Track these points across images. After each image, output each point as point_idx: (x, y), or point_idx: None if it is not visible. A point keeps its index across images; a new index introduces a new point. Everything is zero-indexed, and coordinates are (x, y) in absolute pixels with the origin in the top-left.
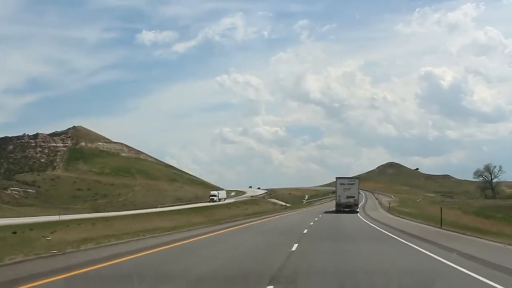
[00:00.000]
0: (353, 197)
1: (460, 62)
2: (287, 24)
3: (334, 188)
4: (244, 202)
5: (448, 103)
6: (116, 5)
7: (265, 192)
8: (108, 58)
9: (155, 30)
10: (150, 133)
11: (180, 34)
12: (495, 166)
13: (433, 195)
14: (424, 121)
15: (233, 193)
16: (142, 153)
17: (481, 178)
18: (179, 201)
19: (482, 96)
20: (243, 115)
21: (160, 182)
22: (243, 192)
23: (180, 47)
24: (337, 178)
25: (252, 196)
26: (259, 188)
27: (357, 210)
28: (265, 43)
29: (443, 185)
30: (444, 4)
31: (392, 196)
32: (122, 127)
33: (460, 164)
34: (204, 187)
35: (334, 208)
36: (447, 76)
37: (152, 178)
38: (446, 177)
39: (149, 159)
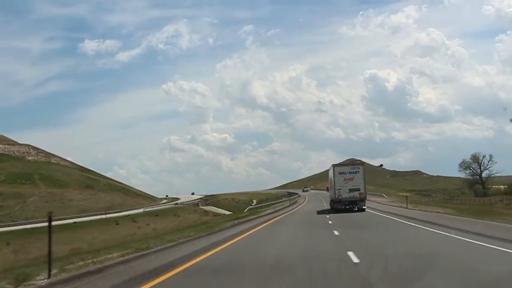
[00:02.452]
0: (358, 189)
1: (404, 64)
2: (232, 30)
3: (288, 191)
4: (155, 213)
5: (393, 104)
6: (58, 14)
7: (200, 198)
8: (52, 69)
9: (98, 39)
10: (97, 144)
11: (124, 43)
12: (484, 156)
13: (407, 194)
14: (371, 123)
15: (164, 201)
16: (54, 156)
17: (468, 171)
18: (84, 212)
19: (427, 97)
20: (191, 122)
21: (67, 190)
22: (177, 199)
23: (124, 56)
24: (333, 165)
25: (177, 203)
26: (193, 194)
27: (364, 206)
28: (210, 50)
29: (414, 183)
30: (387, 7)
31: (384, 195)
32: (67, 139)
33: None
34: (125, 194)
35: (326, 207)
36: (392, 78)
37: (59, 185)
38: (417, 173)
39: (62, 162)
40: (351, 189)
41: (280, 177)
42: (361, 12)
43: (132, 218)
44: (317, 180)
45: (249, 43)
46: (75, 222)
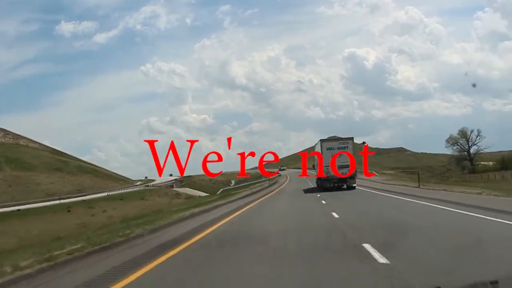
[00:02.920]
0: (347, 166)
1: (383, 42)
2: (209, 10)
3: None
4: (120, 197)
5: (373, 83)
6: None
7: (175, 179)
8: (29, 52)
9: (74, 21)
10: (76, 127)
11: (100, 24)
12: (472, 131)
13: (391, 172)
14: (350, 102)
15: (138, 183)
16: (23, 137)
17: (456, 147)
18: (50, 196)
19: (406, 75)
20: (170, 104)
21: (35, 173)
22: (153, 181)
23: (101, 38)
24: (321, 140)
25: (148, 185)
26: (171, 175)
27: (355, 184)
28: (188, 31)
29: (398, 160)
30: None
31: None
32: (45, 122)
33: (386, 143)
34: (96, 176)
35: (311, 185)
36: (370, 57)
37: (27, 168)
38: (400, 150)
39: (31, 144)
40: (340, 165)
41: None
42: None
43: (88, 204)
44: (298, 160)
45: (227, 23)
46: (18, 210)
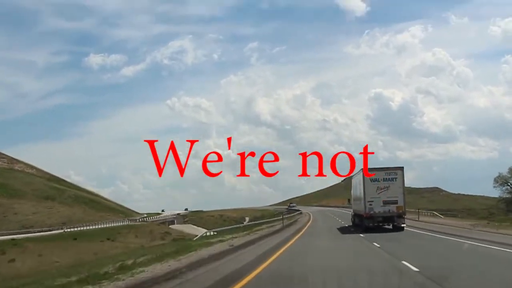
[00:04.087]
0: (395, 201)
1: (409, 83)
2: (237, 47)
3: (285, 207)
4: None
5: (398, 124)
6: (64, 28)
7: (178, 214)
8: (57, 82)
9: (103, 54)
10: (100, 158)
11: (129, 58)
12: None
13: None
14: (375, 142)
15: (145, 215)
16: (19, 162)
17: (506, 187)
18: (26, 228)
19: (431, 116)
20: (195, 138)
21: (20, 201)
22: (159, 214)
23: (129, 71)
24: (361, 169)
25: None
26: (186, 209)
27: (404, 224)
28: (215, 66)
29: (433, 201)
30: (392, 26)
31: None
32: (70, 152)
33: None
34: (91, 207)
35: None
36: (396, 97)
37: (13, 195)
38: (436, 190)
39: (27, 170)
40: (386, 201)
41: (283, 194)
42: (367, 31)
43: (17, 244)
44: (322, 197)
45: (254, 60)
46: None
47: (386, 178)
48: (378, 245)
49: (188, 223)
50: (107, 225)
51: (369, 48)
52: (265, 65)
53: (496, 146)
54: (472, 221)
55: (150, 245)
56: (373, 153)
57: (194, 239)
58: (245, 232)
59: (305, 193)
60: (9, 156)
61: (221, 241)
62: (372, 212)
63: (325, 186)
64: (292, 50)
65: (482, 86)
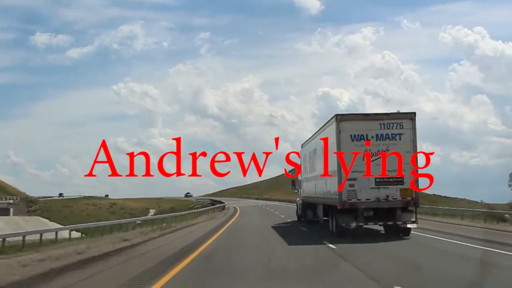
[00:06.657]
0: (400, 180)
1: (358, 84)
2: (188, 36)
3: (212, 198)
4: None
5: None
6: (11, 5)
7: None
8: (0, 60)
9: (50, 33)
10: (41, 141)
11: (76, 39)
12: None
13: None
14: None
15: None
16: None
17: None
18: None
19: None
20: (140, 126)
21: None
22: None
23: (76, 53)
24: (337, 116)
25: None
26: (61, 195)
27: (414, 221)
28: (165, 54)
29: None
30: (345, 26)
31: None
32: (11, 132)
33: None
34: None
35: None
36: (344, 97)
37: None
38: None
39: None
40: (381, 178)
41: (226, 186)
42: (318, 29)
43: None
44: (263, 190)
45: (205, 51)
46: None
47: (383, 135)
48: None
49: (37, 215)
50: None
51: (320, 46)
52: (215, 57)
53: (438, 152)
54: None
55: None
56: None
57: None
58: None
59: (244, 184)
60: None
61: None
62: (354, 200)
63: (273, 175)
64: (244, 43)
65: (429, 92)
